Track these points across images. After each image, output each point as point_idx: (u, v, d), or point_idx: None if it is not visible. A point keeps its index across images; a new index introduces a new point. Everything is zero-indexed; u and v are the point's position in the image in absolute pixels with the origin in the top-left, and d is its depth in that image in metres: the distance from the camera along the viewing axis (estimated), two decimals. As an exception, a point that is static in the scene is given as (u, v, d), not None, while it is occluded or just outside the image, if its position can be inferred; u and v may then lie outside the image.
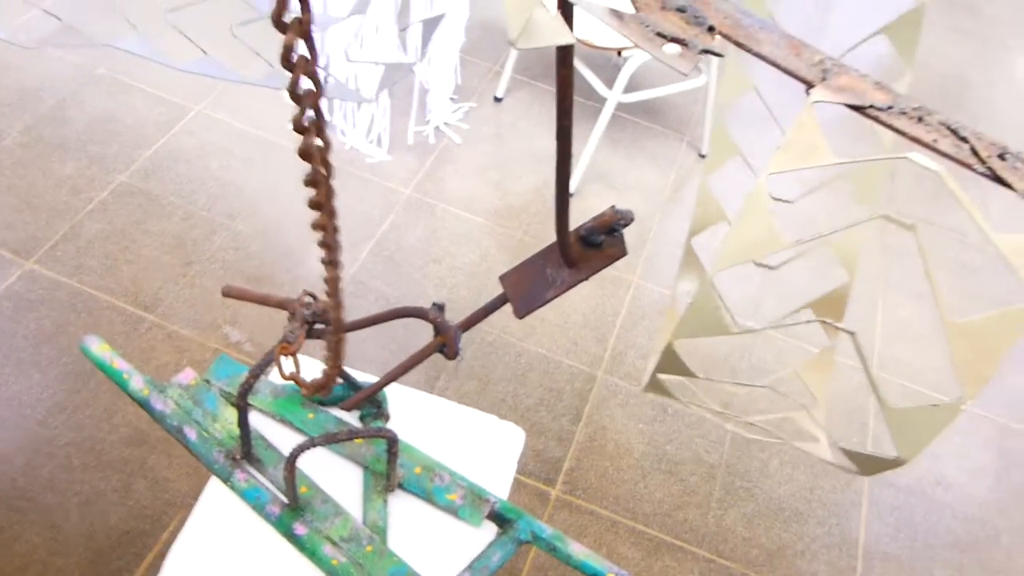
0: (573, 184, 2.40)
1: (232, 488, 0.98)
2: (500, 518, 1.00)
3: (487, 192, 2.43)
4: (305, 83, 0.47)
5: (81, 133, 2.36)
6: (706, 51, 0.42)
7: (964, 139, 0.40)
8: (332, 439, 0.87)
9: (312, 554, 0.94)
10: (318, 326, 0.89)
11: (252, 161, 2.39)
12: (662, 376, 0.53)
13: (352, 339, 1.20)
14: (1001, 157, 0.40)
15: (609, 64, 2.60)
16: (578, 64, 2.34)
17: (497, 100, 2.65)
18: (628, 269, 2.27)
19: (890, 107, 0.40)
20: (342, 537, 0.95)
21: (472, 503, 1.00)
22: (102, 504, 1.67)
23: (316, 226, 0.55)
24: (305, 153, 0.49)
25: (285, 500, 0.96)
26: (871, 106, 0.40)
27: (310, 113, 0.49)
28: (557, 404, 1.97)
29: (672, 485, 1.87)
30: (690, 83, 2.46)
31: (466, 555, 0.97)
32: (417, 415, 1.10)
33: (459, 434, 1.09)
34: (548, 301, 0.68)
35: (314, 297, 0.89)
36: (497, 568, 0.96)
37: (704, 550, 1.79)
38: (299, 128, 0.48)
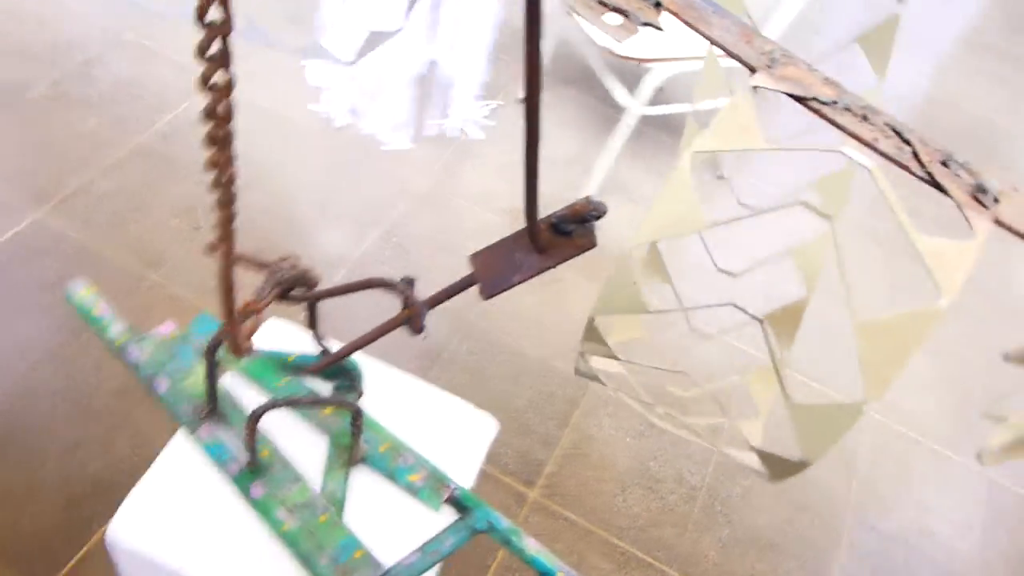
0: (590, 191, 2.40)
1: (196, 442, 0.98)
2: (459, 505, 1.00)
3: (504, 190, 2.42)
4: (217, 12, 0.45)
5: (105, 93, 2.39)
6: (647, 24, 0.42)
7: (907, 142, 0.39)
8: (294, 402, 0.87)
9: (266, 516, 0.94)
10: (296, 292, 0.89)
11: (267, 134, 2.40)
12: (593, 359, 0.52)
13: (344, 315, 1.20)
14: (944, 164, 0.39)
15: (634, 74, 2.59)
16: (602, 72, 2.34)
17: (522, 101, 2.65)
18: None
19: (834, 102, 0.39)
20: (297, 504, 0.95)
21: (432, 486, 0.99)
22: (82, 453, 1.67)
23: (210, 163, 0.53)
24: (205, 82, 0.47)
25: (246, 460, 0.96)
26: (814, 99, 0.39)
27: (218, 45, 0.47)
28: (547, 407, 1.96)
29: (651, 502, 1.85)
30: (718, 100, 2.45)
31: (420, 537, 0.96)
32: (392, 394, 1.10)
33: (431, 417, 1.09)
34: (514, 285, 0.68)
35: (295, 260, 0.89)
36: (448, 553, 0.95)
37: (675, 570, 1.76)
38: (203, 55, 0.46)
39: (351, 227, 2.22)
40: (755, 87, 0.39)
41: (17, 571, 1.50)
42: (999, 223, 0.39)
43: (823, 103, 0.39)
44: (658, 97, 2.40)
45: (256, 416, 0.88)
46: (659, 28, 0.42)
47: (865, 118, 0.40)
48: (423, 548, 0.94)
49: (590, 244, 0.66)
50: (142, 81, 2.45)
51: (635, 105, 2.25)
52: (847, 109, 0.39)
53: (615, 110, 2.54)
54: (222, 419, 1.00)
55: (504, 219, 2.34)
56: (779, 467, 0.49)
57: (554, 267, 0.68)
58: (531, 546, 0.96)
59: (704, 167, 2.64)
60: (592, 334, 0.46)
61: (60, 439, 1.69)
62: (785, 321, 0.54)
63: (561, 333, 2.11)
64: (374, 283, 0.80)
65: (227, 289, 0.66)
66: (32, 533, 1.56)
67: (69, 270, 1.95)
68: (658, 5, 0.42)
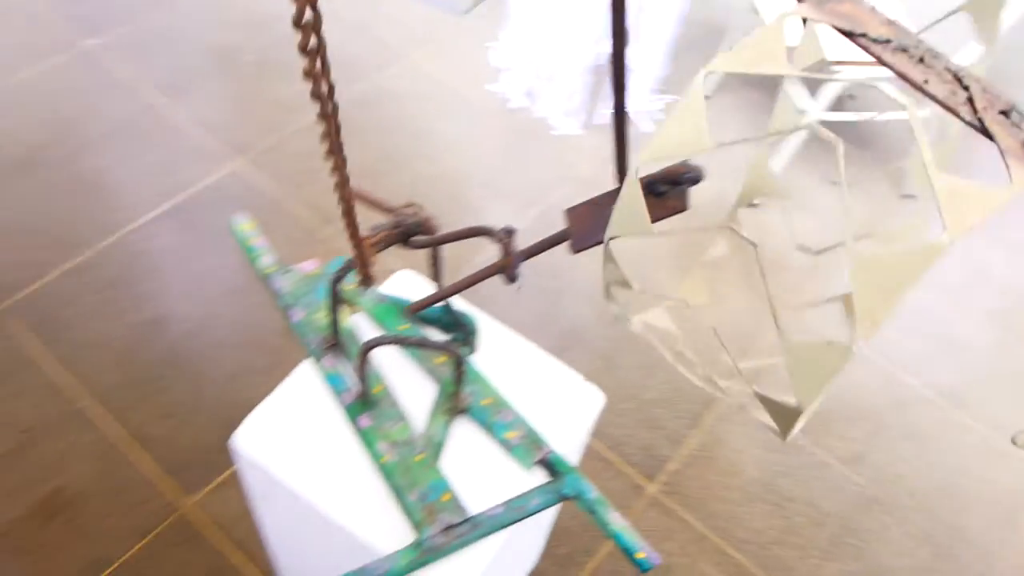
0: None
1: (319, 370, 1.06)
2: (551, 468, 1.01)
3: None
4: None
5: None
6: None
7: (966, 88, 0.36)
8: (400, 340, 0.92)
9: (368, 446, 1.00)
10: (417, 238, 0.94)
11: (447, 113, 2.51)
12: (611, 286, 0.50)
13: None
14: (1004, 113, 0.35)
15: (819, 80, 2.46)
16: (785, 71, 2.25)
17: (705, 99, 2.59)
18: (788, 292, 2.16)
19: (888, 41, 0.36)
20: (398, 440, 1.00)
21: (527, 446, 1.02)
22: (243, 381, 1.85)
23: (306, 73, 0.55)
24: (308, 72, 0.50)
25: (358, 392, 1.03)
26: (864, 35, 0.36)
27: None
28: (678, 404, 1.93)
29: (775, 519, 1.77)
30: (901, 113, 2.28)
31: (508, 492, 0.98)
32: (505, 354, 1.13)
33: (539, 381, 1.11)
34: (602, 241, 0.68)
35: (419, 207, 0.94)
36: (533, 512, 0.97)
37: (791, 592, 1.68)
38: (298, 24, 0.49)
39: (512, 204, 2.28)
40: (803, 18, 0.38)
41: (172, 478, 1.69)
42: None
43: (875, 40, 0.37)
44: (846, 105, 2.27)
45: (366, 348, 0.94)
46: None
47: (922, 60, 0.37)
48: (508, 503, 0.97)
49: (682, 206, 0.65)
50: (341, 52, 2.64)
51: (814, 110, 2.14)
52: (902, 49, 0.37)
53: (794, 115, 2.43)
54: (344, 353, 1.07)
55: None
56: (779, 415, 0.46)
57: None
58: (615, 520, 0.96)
59: (888, 183, 2.47)
60: (608, 258, 0.46)
61: (227, 365, 1.87)
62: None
63: (701, 335, 2.06)
64: (479, 231, 0.83)
65: (348, 210, 0.71)
66: (190, 446, 1.74)
67: (255, 215, 2.14)
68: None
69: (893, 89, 0.34)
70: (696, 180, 0.65)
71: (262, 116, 2.42)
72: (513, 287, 0.79)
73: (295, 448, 1.01)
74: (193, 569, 1.58)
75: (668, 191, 0.66)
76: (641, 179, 0.68)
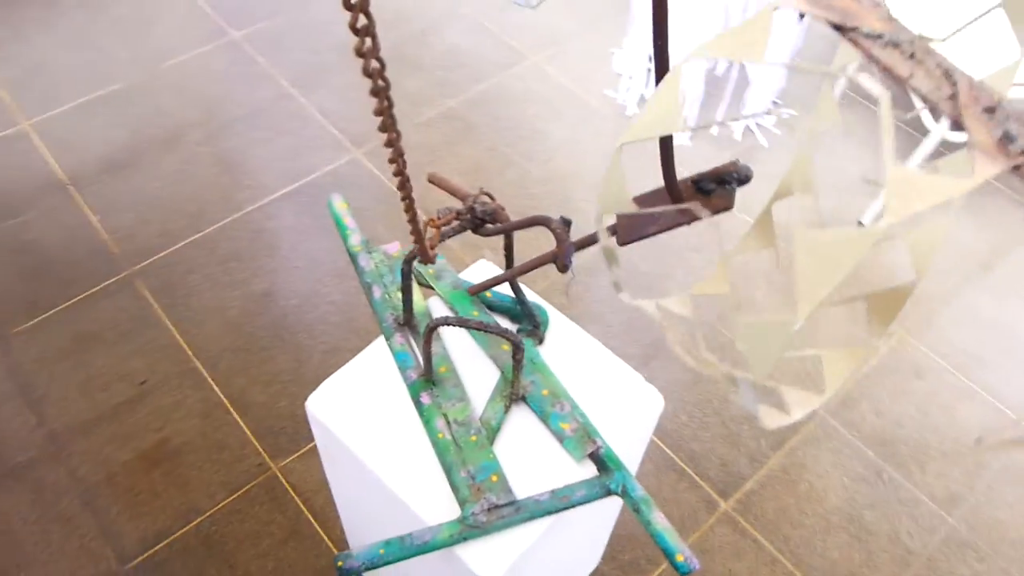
0: (869, 218, 2.22)
1: (390, 347, 1.12)
2: (601, 463, 1.02)
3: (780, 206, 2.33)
4: None
5: (434, 57, 2.70)
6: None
7: (954, 84, 0.35)
8: (464, 323, 0.96)
9: (427, 423, 1.04)
10: (487, 226, 0.98)
11: (563, 115, 2.54)
12: (606, 243, 0.51)
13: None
14: (989, 111, 0.34)
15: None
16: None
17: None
18: (900, 318, 2.06)
19: (880, 35, 0.36)
20: (456, 419, 1.04)
21: (580, 439, 1.03)
22: (339, 357, 1.94)
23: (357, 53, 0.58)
24: (359, 51, 0.54)
25: (423, 371, 1.08)
26: (855, 28, 0.36)
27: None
28: (768, 431, 1.88)
29: (855, 552, 1.70)
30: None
31: (556, 482, 1.00)
32: (571, 348, 1.15)
33: (601, 378, 1.12)
34: (648, 236, 0.69)
35: (491, 198, 0.98)
36: (577, 503, 0.99)
37: (864, 631, 1.61)
38: (348, 6, 0.52)
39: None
40: (776, 8, 0.38)
41: (264, 442, 1.80)
42: (1015, 170, 0.34)
43: (865, 35, 0.36)
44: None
45: (430, 328, 0.98)
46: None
47: (913, 56, 0.36)
48: (554, 491, 0.99)
49: (726, 205, 0.65)
50: (467, 52, 2.73)
51: (939, 129, 2.03)
52: (894, 44, 0.36)
53: (919, 132, 2.32)
54: (415, 332, 1.12)
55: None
56: (747, 391, 0.46)
57: (688, 224, 0.68)
58: (658, 520, 0.96)
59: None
60: (599, 223, 0.47)
61: (326, 341, 1.98)
62: (887, 304, 0.50)
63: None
64: (538, 221, 0.85)
65: (402, 184, 0.75)
66: (284, 414, 1.85)
67: (367, 203, 2.25)
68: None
69: (868, 80, 0.35)
70: (744, 180, 0.65)
71: (384, 109, 2.53)
72: (566, 276, 0.81)
73: (361, 416, 1.07)
74: (273, 528, 1.68)
75: (715, 190, 0.67)
76: (690, 177, 0.69)
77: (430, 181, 1.06)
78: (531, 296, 1.18)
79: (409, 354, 1.10)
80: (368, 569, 0.94)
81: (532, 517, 0.98)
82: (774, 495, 1.77)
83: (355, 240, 1.21)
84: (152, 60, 2.63)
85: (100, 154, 2.34)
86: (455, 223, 0.95)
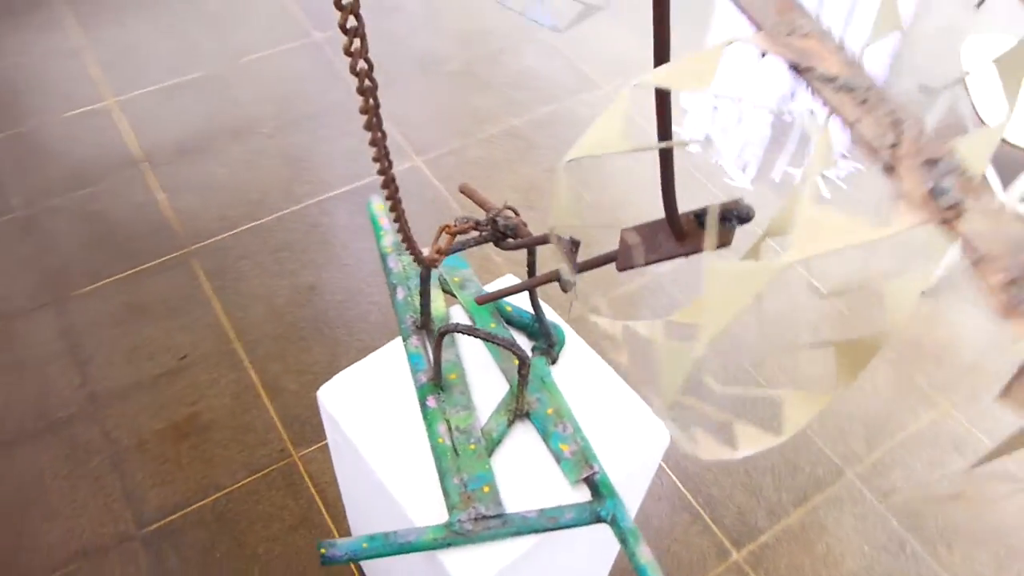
0: (931, 283, 2.16)
1: (405, 347, 1.14)
2: (595, 488, 1.02)
3: (827, 260, 2.28)
4: None
5: (505, 77, 2.74)
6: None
7: (900, 133, 0.35)
8: (471, 331, 0.97)
9: (429, 426, 1.06)
10: (508, 241, 1.00)
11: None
12: (601, 320, 0.52)
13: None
14: (932, 162, 0.34)
15: (1014, 164, 2.26)
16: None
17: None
18: (943, 390, 1.99)
19: (834, 79, 0.36)
20: (458, 427, 1.05)
21: (577, 462, 1.03)
22: (371, 357, 1.98)
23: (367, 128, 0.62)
24: (347, 50, 0.56)
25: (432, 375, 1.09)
26: (811, 69, 0.36)
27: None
28: (787, 478, 1.84)
29: (866, 621, 1.64)
30: None
31: (547, 501, 1.01)
32: (583, 372, 1.15)
33: (609, 405, 1.12)
34: (647, 263, 0.70)
35: (515, 213, 0.99)
36: (565, 526, 0.99)
37: None
38: (344, 30, 0.54)
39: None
40: (729, 42, 0.38)
41: (289, 429, 1.84)
42: (936, 223, 0.33)
43: (819, 77, 0.37)
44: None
45: (440, 334, 1.00)
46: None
47: (865, 101, 0.36)
48: (542, 510, 0.99)
49: (725, 242, 0.65)
50: (538, 75, 2.76)
51: (1007, 200, 1.97)
52: (848, 89, 0.36)
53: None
54: (431, 336, 1.14)
55: (816, 297, 2.22)
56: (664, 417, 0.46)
57: (686, 256, 0.68)
58: (644, 554, 0.95)
59: None
60: (554, 241, 0.48)
61: (362, 339, 2.02)
62: (856, 354, 0.49)
63: (833, 412, 1.95)
64: (547, 239, 0.86)
65: (387, 183, 0.77)
66: (312, 404, 1.88)
67: (423, 209, 2.30)
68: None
69: (808, 116, 0.35)
70: (745, 219, 0.65)
71: (451, 121, 2.58)
72: (567, 296, 0.82)
73: (367, 410, 1.09)
74: (285, 514, 1.72)
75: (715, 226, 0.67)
76: (692, 212, 0.69)
77: (461, 191, 1.08)
78: (550, 315, 1.19)
79: (423, 357, 1.12)
80: (349, 561, 0.96)
81: (518, 533, 0.98)
82: (789, 552, 1.72)
83: (387, 242, 1.24)
84: (235, 53, 2.74)
85: (174, 136, 2.45)
86: (474, 233, 0.96)
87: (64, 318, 2.01)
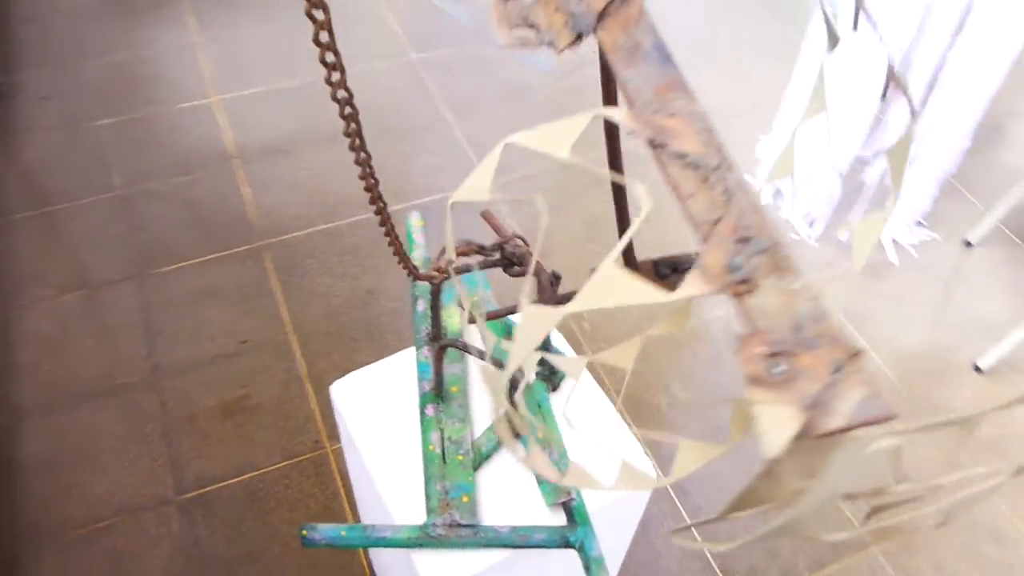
0: (988, 362, 2.08)
1: (417, 357, 1.21)
2: (570, 514, 1.06)
3: (891, 332, 2.23)
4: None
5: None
6: (551, 44, 0.47)
7: (728, 211, 0.38)
8: (465, 348, 1.03)
9: (424, 432, 1.12)
10: (515, 268, 1.05)
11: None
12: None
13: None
14: (743, 241, 0.37)
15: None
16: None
17: (967, 244, 2.38)
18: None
19: (684, 156, 0.40)
20: (451, 437, 1.11)
21: (556, 486, 1.07)
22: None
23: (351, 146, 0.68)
24: (315, 41, 0.58)
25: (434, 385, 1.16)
26: (664, 145, 0.40)
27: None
28: (808, 547, 1.80)
29: None
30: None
31: (521, 520, 1.05)
32: (583, 403, 1.19)
33: (602, 440, 1.15)
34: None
35: (525, 243, 1.05)
36: (534, 545, 1.02)
37: None
38: (317, 42, 0.58)
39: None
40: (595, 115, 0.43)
41: (326, 422, 1.94)
42: (729, 294, 0.36)
43: (672, 153, 0.40)
44: None
45: (440, 347, 1.07)
46: (559, 51, 0.48)
47: (706, 179, 0.40)
48: (514, 528, 1.03)
49: (672, 290, 0.69)
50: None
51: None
52: (695, 166, 0.40)
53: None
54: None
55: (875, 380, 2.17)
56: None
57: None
58: (603, 584, 0.98)
59: None
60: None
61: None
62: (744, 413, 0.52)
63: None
64: (537, 271, 0.91)
65: (374, 199, 0.83)
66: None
67: (478, 230, 2.37)
68: (579, 37, 0.48)
69: (638, 186, 0.39)
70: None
71: (529, 149, 2.66)
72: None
73: (371, 410, 1.16)
74: (310, 502, 1.81)
75: (670, 275, 0.70)
76: (650, 260, 0.73)
77: (481, 216, 1.14)
78: (558, 342, 1.23)
79: (429, 367, 1.18)
80: (327, 546, 1.02)
81: (488, 545, 1.03)
82: (795, 615, 1.69)
83: (419, 255, 1.31)
84: (337, 64, 2.91)
85: (266, 137, 2.62)
86: (480, 257, 1.02)
87: (142, 293, 2.18)
